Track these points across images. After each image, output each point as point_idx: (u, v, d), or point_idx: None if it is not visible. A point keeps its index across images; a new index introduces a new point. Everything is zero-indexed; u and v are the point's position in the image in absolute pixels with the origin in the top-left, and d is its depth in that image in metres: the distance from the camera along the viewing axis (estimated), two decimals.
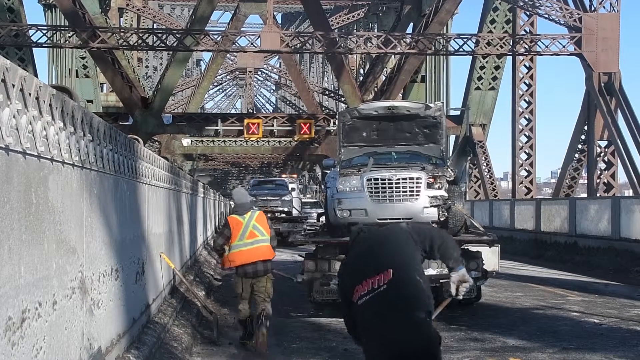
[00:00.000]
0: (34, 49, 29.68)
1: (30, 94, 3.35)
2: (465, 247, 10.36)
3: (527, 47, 27.61)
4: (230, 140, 39.39)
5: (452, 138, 33.43)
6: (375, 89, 34.93)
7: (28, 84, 3.33)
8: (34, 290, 3.45)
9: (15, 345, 3.15)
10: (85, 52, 31.85)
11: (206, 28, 30.39)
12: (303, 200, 36.15)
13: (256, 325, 7.67)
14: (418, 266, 3.85)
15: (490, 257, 10.60)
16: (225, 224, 8.03)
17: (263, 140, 37.05)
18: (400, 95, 32.79)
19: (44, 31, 27.14)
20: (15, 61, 28.02)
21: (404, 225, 4.16)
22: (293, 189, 30.27)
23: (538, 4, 26.92)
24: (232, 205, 9.00)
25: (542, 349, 7.86)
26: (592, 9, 27.17)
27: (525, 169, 31.25)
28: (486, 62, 32.91)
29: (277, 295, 12.48)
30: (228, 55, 47.93)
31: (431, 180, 10.24)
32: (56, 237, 3.87)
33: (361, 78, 40.30)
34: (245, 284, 7.90)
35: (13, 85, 3.12)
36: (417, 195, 10.07)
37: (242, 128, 30.80)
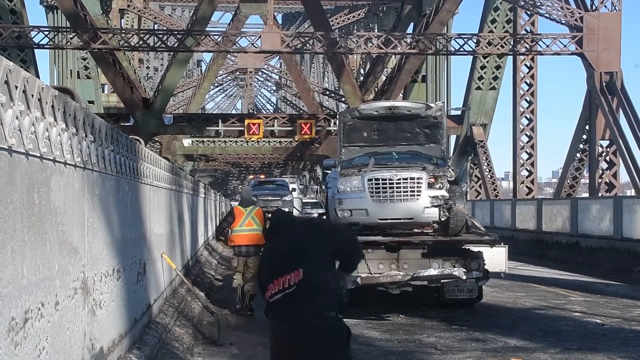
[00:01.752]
0: (35, 50, 29.74)
1: (32, 96, 3.36)
2: (467, 247, 10.36)
3: (528, 46, 27.60)
4: (231, 141, 39.40)
5: (453, 138, 33.42)
6: (376, 89, 34.92)
7: (31, 86, 3.34)
8: (37, 290, 3.46)
9: (18, 345, 3.16)
10: (86, 53, 31.88)
11: (207, 29, 30.41)
12: (304, 200, 36.18)
13: (245, 296, 10.30)
14: (329, 262, 3.86)
15: (498, 257, 10.53)
16: (230, 212, 10.68)
17: (264, 141, 37.05)
18: (401, 95, 32.78)
19: (46, 33, 27.17)
20: (17, 62, 28.06)
21: (322, 221, 4.15)
22: (294, 189, 30.30)
23: (539, 4, 26.92)
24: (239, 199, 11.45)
25: (544, 349, 7.86)
26: (594, 8, 27.16)
27: (526, 169, 31.24)
28: (487, 61, 32.90)
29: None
30: (229, 55, 47.94)
31: (432, 180, 10.25)
32: (58, 238, 3.88)
33: (362, 78, 40.29)
34: (240, 261, 10.29)
35: (16, 87, 3.13)
36: (418, 195, 10.08)
37: (242, 128, 30.81)
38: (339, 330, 3.70)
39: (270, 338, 3.82)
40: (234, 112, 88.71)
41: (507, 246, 10.85)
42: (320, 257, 3.83)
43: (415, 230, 10.97)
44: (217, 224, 15.69)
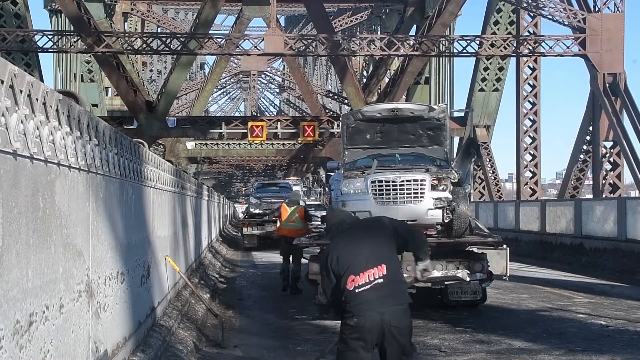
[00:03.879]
0: (39, 54, 29.81)
1: (37, 100, 3.38)
2: (470, 249, 10.34)
3: (530, 48, 27.57)
4: (234, 143, 39.43)
5: (456, 139, 33.39)
6: (379, 91, 34.92)
7: (35, 90, 3.35)
8: (41, 293, 3.47)
9: (23, 348, 3.18)
10: (90, 56, 31.93)
11: (210, 32, 30.44)
12: (307, 202, 36.17)
13: (290, 279, 12.83)
14: (396, 258, 4.76)
15: (499, 260, 10.28)
16: (278, 208, 13.85)
17: (267, 143, 37.03)
18: (404, 97, 32.76)
19: (50, 36, 27.25)
20: (21, 66, 28.15)
21: (385, 219, 4.92)
22: (297, 190, 30.28)
23: (542, 5, 26.89)
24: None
25: (549, 351, 7.85)
26: (597, 9, 27.12)
27: (530, 170, 31.18)
28: (490, 63, 32.88)
29: (281, 298, 12.53)
30: (232, 58, 48.00)
31: (435, 182, 10.24)
32: (63, 241, 3.89)
33: (365, 80, 40.30)
34: (284, 249, 13.04)
35: (21, 91, 3.15)
36: (421, 197, 10.07)
37: (246, 131, 30.83)
38: (410, 316, 4.61)
39: (346, 323, 4.54)
40: (237, 114, 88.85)
41: (508, 248, 10.65)
42: (394, 252, 4.69)
43: None
44: (220, 229, 18.89)
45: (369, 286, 4.47)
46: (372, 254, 4.57)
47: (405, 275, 9.57)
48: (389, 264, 4.57)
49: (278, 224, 13.34)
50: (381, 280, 4.48)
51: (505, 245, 10.43)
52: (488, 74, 33.29)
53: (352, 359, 4.52)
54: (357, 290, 4.47)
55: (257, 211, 26.18)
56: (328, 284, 4.69)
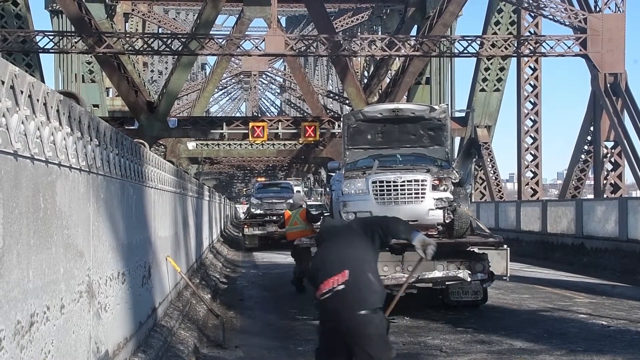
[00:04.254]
0: (40, 54, 29.83)
1: (38, 100, 3.38)
2: (471, 249, 10.33)
3: (531, 48, 27.56)
4: (235, 144, 39.44)
5: (457, 140, 33.38)
6: (380, 91, 34.92)
7: (36, 90, 3.36)
8: (42, 294, 3.47)
9: (24, 349, 3.18)
10: (91, 57, 31.95)
11: (211, 32, 30.46)
12: (308, 203, 36.14)
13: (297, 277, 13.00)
14: (371, 263, 4.50)
15: (499, 261, 10.31)
16: (283, 215, 14.74)
17: (268, 143, 37.04)
18: (405, 97, 32.76)
19: (51, 37, 27.27)
20: (22, 67, 28.18)
21: (354, 222, 4.84)
22: (298, 192, 30.28)
23: (543, 5, 26.88)
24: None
25: (550, 351, 7.85)
26: (597, 9, 27.10)
27: (531, 170, 31.17)
28: (491, 63, 32.86)
29: (282, 298, 12.54)
30: (233, 59, 48.01)
31: (436, 182, 10.23)
32: (64, 242, 3.89)
33: (365, 80, 40.30)
34: (293, 251, 13.14)
35: (21, 92, 3.15)
36: (422, 197, 10.06)
37: (247, 131, 30.84)
38: (375, 323, 4.32)
39: (319, 327, 4.60)
40: (238, 115, 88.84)
41: (508, 249, 10.63)
42: (361, 256, 4.47)
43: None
44: (221, 229, 19.03)
45: (330, 294, 4.37)
46: (337, 261, 4.47)
47: (406, 275, 9.67)
48: (352, 268, 4.39)
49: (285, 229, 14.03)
50: (342, 286, 4.33)
51: (505, 246, 10.44)
52: (489, 74, 33.27)
53: None
54: (321, 298, 4.44)
55: (258, 211, 26.19)
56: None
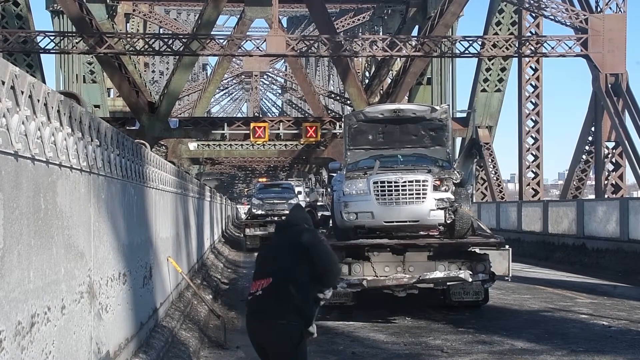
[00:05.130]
0: (41, 55, 29.85)
1: (38, 101, 3.38)
2: (472, 250, 10.33)
3: (533, 48, 27.54)
4: (236, 144, 39.44)
5: (458, 140, 33.36)
6: (381, 91, 34.92)
7: (37, 91, 3.35)
8: (43, 295, 3.47)
9: (24, 349, 3.18)
10: (92, 57, 31.97)
11: (212, 32, 30.46)
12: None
13: None
14: (298, 276, 4.37)
15: (501, 261, 10.37)
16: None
17: (269, 144, 37.04)
18: (406, 97, 32.76)
19: (52, 37, 27.29)
20: (23, 67, 28.20)
21: (306, 237, 4.54)
22: (300, 192, 30.29)
23: (544, 6, 26.87)
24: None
25: (551, 351, 7.84)
26: (599, 10, 27.08)
27: (532, 171, 31.15)
28: (492, 64, 32.84)
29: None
30: (234, 59, 48.03)
31: (437, 182, 10.23)
32: (65, 242, 3.89)
33: (367, 81, 40.29)
34: None
35: (22, 92, 3.15)
36: (423, 197, 10.06)
37: (248, 132, 30.84)
38: (288, 336, 4.32)
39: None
40: (239, 115, 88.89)
41: (510, 249, 10.67)
42: (291, 268, 4.40)
43: (421, 232, 10.95)
44: (222, 230, 18.13)
45: (251, 297, 4.49)
46: (269, 265, 4.53)
47: (407, 276, 9.66)
48: (277, 279, 4.38)
49: None
50: (260, 292, 4.40)
51: (507, 246, 10.46)
52: (490, 75, 33.26)
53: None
54: (248, 297, 4.57)
55: (259, 212, 26.21)
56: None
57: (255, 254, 4.97)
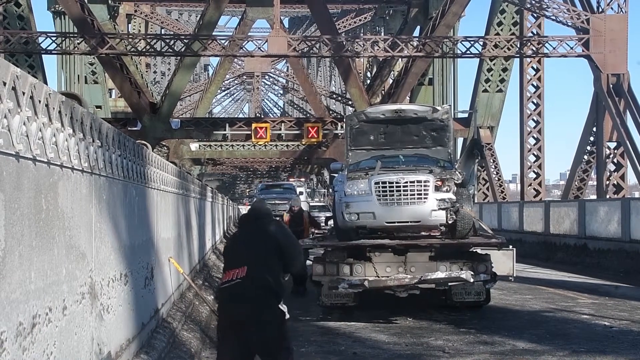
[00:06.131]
0: (43, 55, 29.89)
1: (40, 101, 3.38)
2: (474, 250, 10.33)
3: (534, 49, 27.54)
4: (238, 145, 39.47)
5: (459, 140, 33.37)
6: (383, 92, 34.92)
7: (38, 91, 3.36)
8: (44, 295, 3.48)
9: (26, 350, 3.18)
10: (93, 58, 32.02)
11: (213, 33, 30.49)
12: (311, 204, 36.17)
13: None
14: (271, 264, 4.88)
15: (505, 261, 10.49)
16: (282, 217, 14.67)
17: (271, 144, 37.07)
18: (408, 98, 32.77)
19: (53, 38, 27.32)
20: (24, 68, 28.24)
21: (274, 228, 5.01)
22: (301, 193, 30.32)
23: (545, 6, 26.86)
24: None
25: (552, 352, 7.83)
26: (600, 10, 27.07)
27: (533, 171, 31.14)
28: (493, 64, 32.84)
29: (285, 299, 12.55)
30: (235, 60, 48.05)
31: (439, 183, 10.23)
32: (66, 243, 3.89)
33: (368, 81, 40.30)
34: None
35: (23, 93, 3.15)
36: (425, 198, 10.06)
37: (249, 132, 30.86)
38: (276, 320, 4.81)
39: (217, 316, 5.05)
40: (241, 116, 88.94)
41: (514, 249, 10.78)
42: (265, 256, 4.87)
43: (423, 233, 10.95)
44: (224, 230, 18.74)
45: (227, 284, 4.87)
46: (243, 255, 4.90)
47: (409, 276, 9.67)
48: (252, 267, 4.80)
49: None
50: (239, 280, 4.80)
51: (511, 246, 10.53)
52: (492, 75, 33.25)
53: (220, 351, 5.01)
54: (222, 286, 4.96)
55: None
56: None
57: None
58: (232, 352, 4.83)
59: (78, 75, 34.50)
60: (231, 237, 5.64)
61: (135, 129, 29.89)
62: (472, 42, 27.46)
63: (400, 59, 33.47)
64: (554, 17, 26.95)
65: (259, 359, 5.00)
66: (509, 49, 27.49)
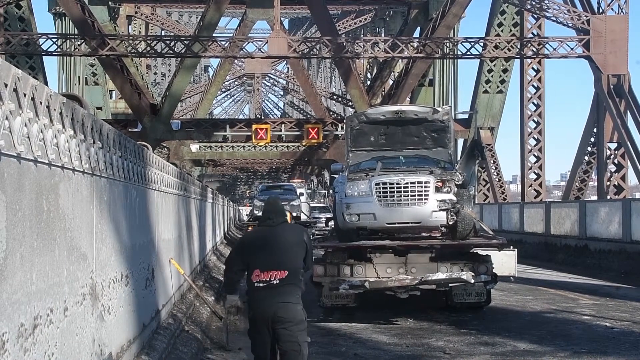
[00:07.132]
0: (44, 57, 29.92)
1: (41, 103, 3.38)
2: (475, 251, 10.33)
3: (535, 49, 27.54)
4: (238, 146, 39.49)
5: (460, 141, 33.38)
6: (383, 93, 34.93)
7: (39, 93, 3.36)
8: (46, 296, 3.48)
9: (27, 351, 3.18)
10: (94, 59, 32.05)
11: (214, 34, 30.51)
12: (311, 205, 36.16)
13: None
14: (301, 268, 5.32)
15: (507, 261, 10.56)
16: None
17: (271, 146, 37.10)
18: (408, 99, 32.77)
19: (54, 40, 27.34)
20: (25, 70, 28.24)
21: (305, 235, 5.44)
22: (302, 194, 30.29)
23: (545, 7, 26.86)
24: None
25: (553, 353, 7.83)
26: (600, 11, 27.07)
27: (534, 172, 31.14)
28: (494, 65, 32.84)
29: None
30: (236, 61, 48.07)
31: (440, 184, 10.23)
32: (67, 244, 3.90)
33: (369, 82, 40.30)
34: None
35: (24, 94, 3.15)
36: (425, 199, 10.06)
37: (250, 133, 30.86)
38: (298, 316, 5.20)
39: (249, 310, 5.28)
40: (241, 117, 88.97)
41: (516, 250, 10.82)
42: (299, 262, 5.31)
43: (423, 234, 10.95)
44: (225, 231, 17.94)
45: (265, 284, 5.17)
46: (279, 257, 5.23)
47: (409, 277, 9.68)
48: (291, 271, 5.20)
49: None
50: (277, 282, 5.17)
51: (512, 247, 10.58)
52: (492, 76, 33.25)
53: (255, 342, 5.31)
54: (257, 284, 5.21)
55: (261, 214, 26.15)
56: (234, 261, 5.48)
57: None
58: (264, 344, 5.25)
59: (79, 77, 34.53)
60: (255, 232, 5.95)
61: (135, 130, 29.91)
62: (472, 43, 27.46)
63: (400, 60, 33.48)
64: (554, 18, 26.95)
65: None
66: (509, 49, 27.49)
